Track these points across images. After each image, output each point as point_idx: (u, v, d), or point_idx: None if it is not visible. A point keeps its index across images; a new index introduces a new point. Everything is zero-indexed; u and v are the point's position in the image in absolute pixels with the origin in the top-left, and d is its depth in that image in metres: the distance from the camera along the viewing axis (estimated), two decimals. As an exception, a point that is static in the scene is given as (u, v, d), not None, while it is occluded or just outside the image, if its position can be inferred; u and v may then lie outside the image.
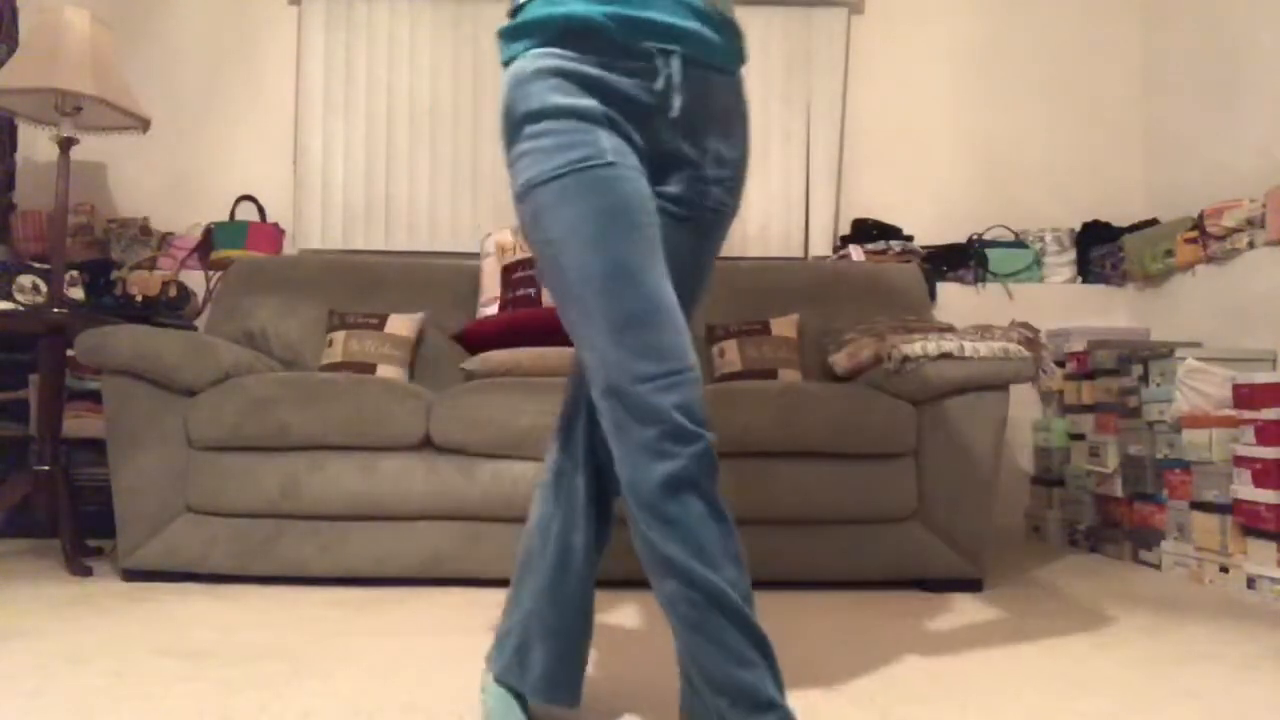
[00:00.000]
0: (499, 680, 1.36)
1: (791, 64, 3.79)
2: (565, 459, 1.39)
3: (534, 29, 1.23)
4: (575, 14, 1.20)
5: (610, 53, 1.21)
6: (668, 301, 1.14)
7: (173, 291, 3.34)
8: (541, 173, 1.16)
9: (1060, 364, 3.38)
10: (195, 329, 3.25)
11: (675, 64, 1.23)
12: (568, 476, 1.37)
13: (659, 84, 1.23)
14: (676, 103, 1.24)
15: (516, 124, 1.21)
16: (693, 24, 1.24)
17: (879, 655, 1.76)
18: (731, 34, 1.31)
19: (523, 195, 1.20)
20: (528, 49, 1.23)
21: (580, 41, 1.20)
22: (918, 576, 2.44)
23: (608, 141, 1.18)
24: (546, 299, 2.95)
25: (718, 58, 1.29)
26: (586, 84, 1.19)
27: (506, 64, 1.26)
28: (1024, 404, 3.45)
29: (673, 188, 1.29)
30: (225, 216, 3.64)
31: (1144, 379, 2.87)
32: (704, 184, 1.31)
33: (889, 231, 3.64)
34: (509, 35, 1.26)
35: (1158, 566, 2.73)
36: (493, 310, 3.04)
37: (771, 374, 2.85)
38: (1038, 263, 3.71)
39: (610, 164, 1.16)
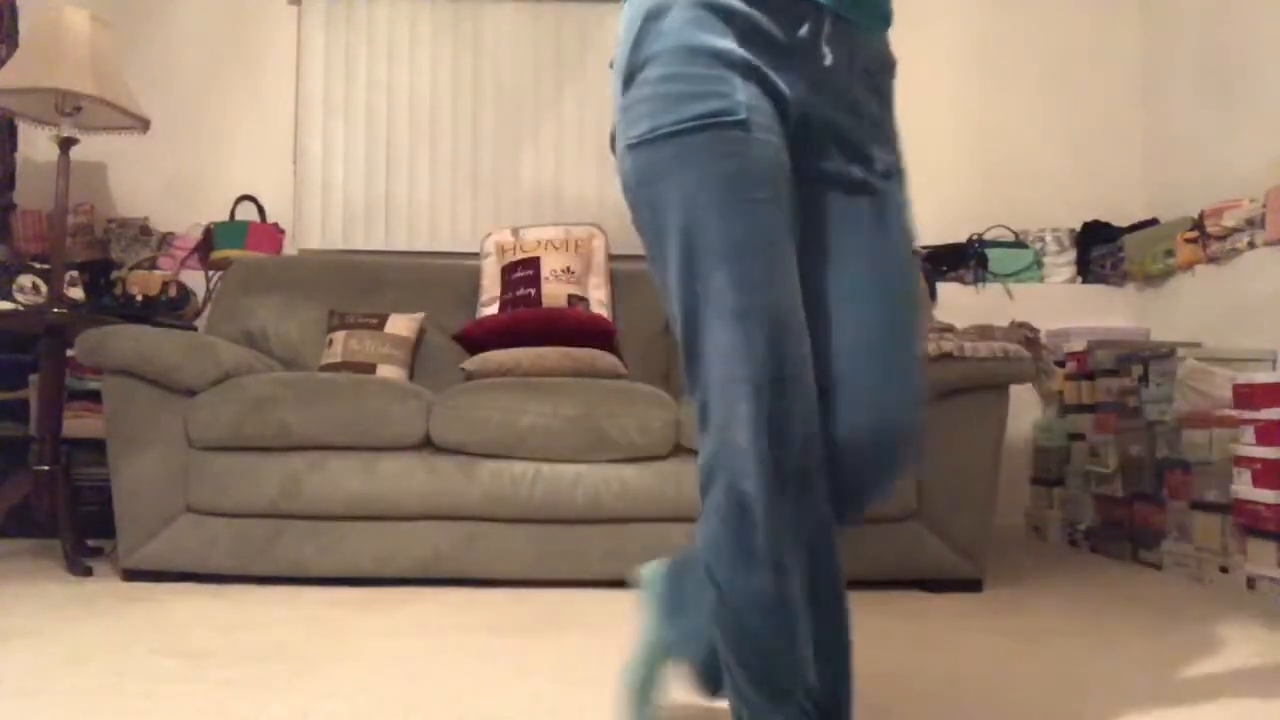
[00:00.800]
0: None
1: (791, 64, 3.78)
2: None
3: None
4: None
5: None
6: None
7: (173, 291, 3.34)
8: (659, 126, 1.00)
9: (1060, 364, 3.38)
10: (195, 329, 3.25)
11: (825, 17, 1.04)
12: None
13: (803, 31, 1.04)
14: (828, 53, 1.05)
15: (639, 64, 1.03)
16: None
17: (879, 655, 1.76)
18: None
19: (632, 148, 1.03)
20: None
21: None
22: (918, 576, 2.44)
23: (744, 94, 0.99)
24: (546, 299, 2.95)
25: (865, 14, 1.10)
26: (730, 19, 1.01)
27: None
28: (1024, 404, 3.44)
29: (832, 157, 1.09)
30: (225, 216, 3.64)
31: (1144, 379, 2.86)
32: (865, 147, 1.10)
33: (889, 231, 3.64)
34: None
35: (1158, 566, 2.73)
36: (493, 310, 3.04)
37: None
38: (1038, 263, 3.71)
39: (743, 121, 0.98)
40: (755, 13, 1.01)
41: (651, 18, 1.02)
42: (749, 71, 1.01)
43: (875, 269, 1.09)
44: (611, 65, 1.11)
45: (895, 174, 1.13)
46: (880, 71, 1.13)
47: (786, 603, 1.00)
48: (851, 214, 1.08)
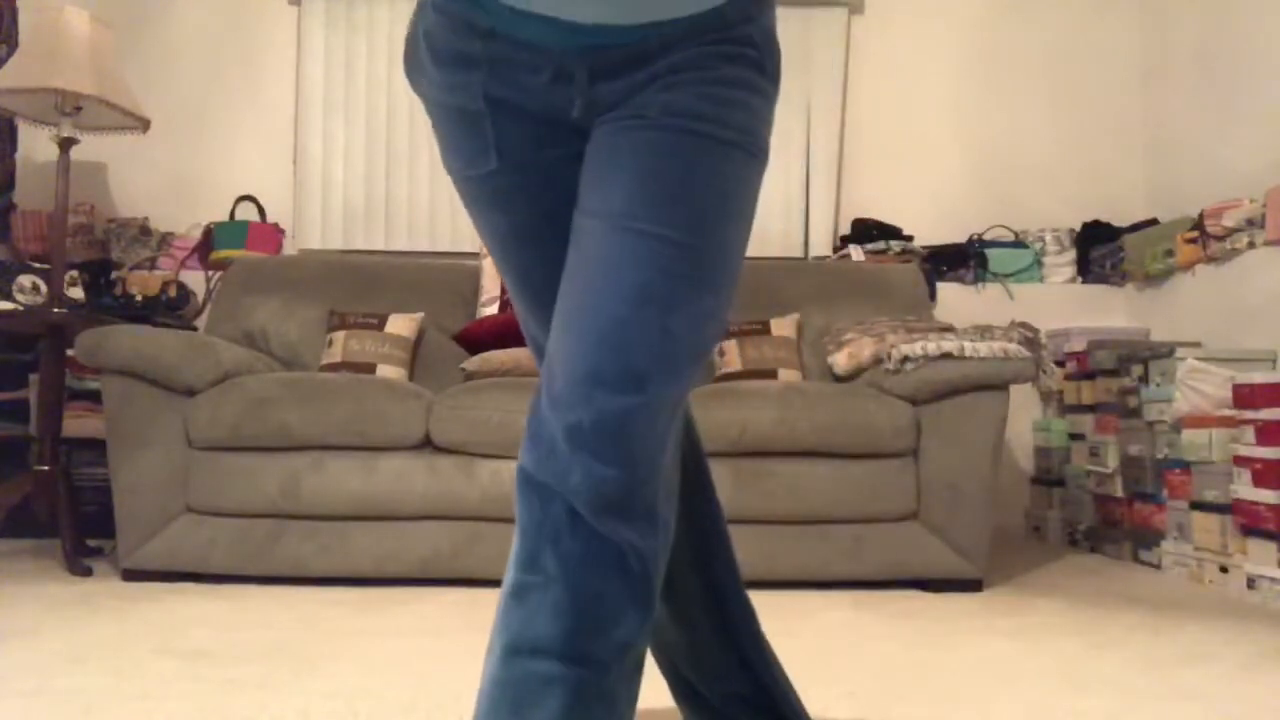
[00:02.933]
0: None
1: (791, 64, 3.78)
2: None
3: None
4: None
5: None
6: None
7: (173, 291, 3.34)
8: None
9: (1060, 364, 3.38)
10: (195, 329, 3.25)
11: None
12: None
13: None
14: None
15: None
16: None
17: (879, 655, 1.76)
18: None
19: None
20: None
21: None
22: (918, 576, 2.44)
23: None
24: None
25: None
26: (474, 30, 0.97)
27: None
28: (1024, 404, 3.45)
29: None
30: (225, 216, 3.64)
31: (1144, 379, 2.87)
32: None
33: (889, 231, 3.64)
34: None
35: (1158, 566, 2.73)
36: (492, 310, 3.04)
37: (771, 374, 2.85)
38: (1037, 263, 3.71)
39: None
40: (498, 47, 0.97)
41: (414, 47, 1.03)
42: (490, 82, 0.98)
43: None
44: None
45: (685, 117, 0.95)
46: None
47: None
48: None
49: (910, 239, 3.65)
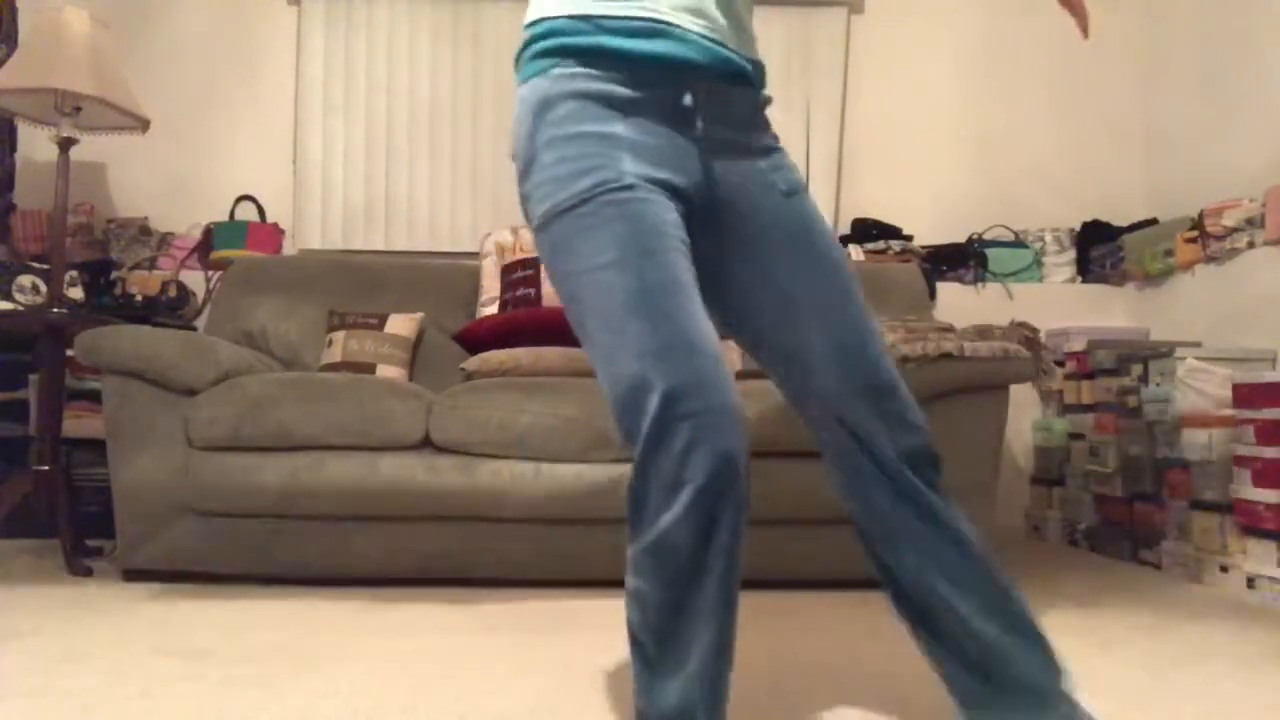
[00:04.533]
0: None
1: (791, 64, 3.78)
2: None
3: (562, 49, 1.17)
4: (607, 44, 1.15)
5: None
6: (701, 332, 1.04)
7: (173, 291, 3.34)
8: (557, 205, 1.11)
9: (1060, 364, 3.38)
10: (195, 329, 3.25)
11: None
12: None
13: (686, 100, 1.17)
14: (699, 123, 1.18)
15: (534, 154, 1.15)
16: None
17: (879, 655, 1.76)
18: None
19: (539, 230, 1.16)
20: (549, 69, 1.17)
21: (606, 62, 1.15)
22: (918, 576, 2.43)
23: (630, 164, 1.10)
24: (546, 299, 2.95)
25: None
26: (612, 104, 1.14)
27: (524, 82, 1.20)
28: (1024, 404, 3.45)
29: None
30: (225, 216, 3.64)
31: (1144, 379, 2.87)
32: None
33: (889, 231, 3.64)
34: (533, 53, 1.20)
35: (1158, 566, 2.73)
36: (492, 310, 3.04)
37: (771, 374, 2.85)
38: (1037, 262, 3.71)
39: (630, 185, 1.09)
40: (636, 93, 1.14)
41: (540, 112, 1.14)
42: (634, 147, 1.12)
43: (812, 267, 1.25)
44: (513, 157, 1.21)
45: (800, 191, 1.27)
46: (751, 122, 1.27)
47: None
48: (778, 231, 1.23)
49: (910, 239, 3.65)
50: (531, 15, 1.24)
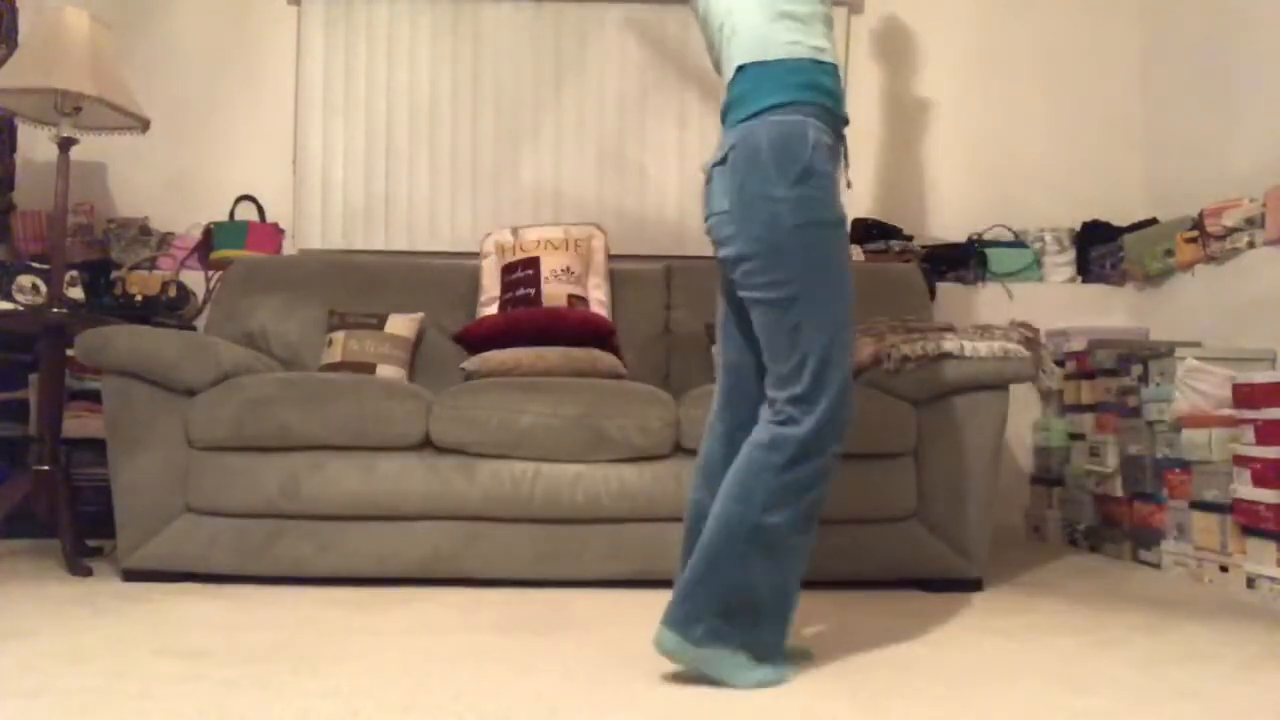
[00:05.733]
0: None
1: (791, 64, 3.78)
2: (731, 451, 1.68)
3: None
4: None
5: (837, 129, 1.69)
6: None
7: (172, 291, 3.34)
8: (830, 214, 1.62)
9: (1060, 364, 3.38)
10: (195, 329, 3.26)
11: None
12: (723, 465, 1.68)
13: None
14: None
15: (811, 170, 1.59)
16: None
17: (879, 655, 1.76)
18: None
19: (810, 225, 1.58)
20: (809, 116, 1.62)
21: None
22: (918, 576, 2.43)
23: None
24: (546, 299, 2.95)
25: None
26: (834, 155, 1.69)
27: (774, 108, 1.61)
28: (1024, 404, 3.45)
29: None
30: (225, 216, 3.64)
31: (1144, 379, 2.87)
32: None
33: (889, 231, 3.64)
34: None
35: (1158, 566, 2.73)
36: (492, 310, 3.04)
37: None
38: (1037, 262, 3.71)
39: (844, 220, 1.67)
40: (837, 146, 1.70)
41: (817, 146, 1.60)
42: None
43: None
44: (723, 144, 1.67)
45: None
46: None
47: None
48: None
49: (910, 239, 3.65)
50: None
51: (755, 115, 1.61)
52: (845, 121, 1.71)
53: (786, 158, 1.56)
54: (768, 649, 1.58)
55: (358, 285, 3.15)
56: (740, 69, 1.64)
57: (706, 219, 1.70)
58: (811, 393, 1.55)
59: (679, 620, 1.53)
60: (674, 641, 1.53)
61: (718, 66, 1.75)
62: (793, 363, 1.57)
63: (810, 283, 1.57)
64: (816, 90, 1.62)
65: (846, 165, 1.72)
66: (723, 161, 1.64)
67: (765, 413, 1.61)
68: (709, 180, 1.69)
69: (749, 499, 1.55)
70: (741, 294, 1.65)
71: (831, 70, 1.66)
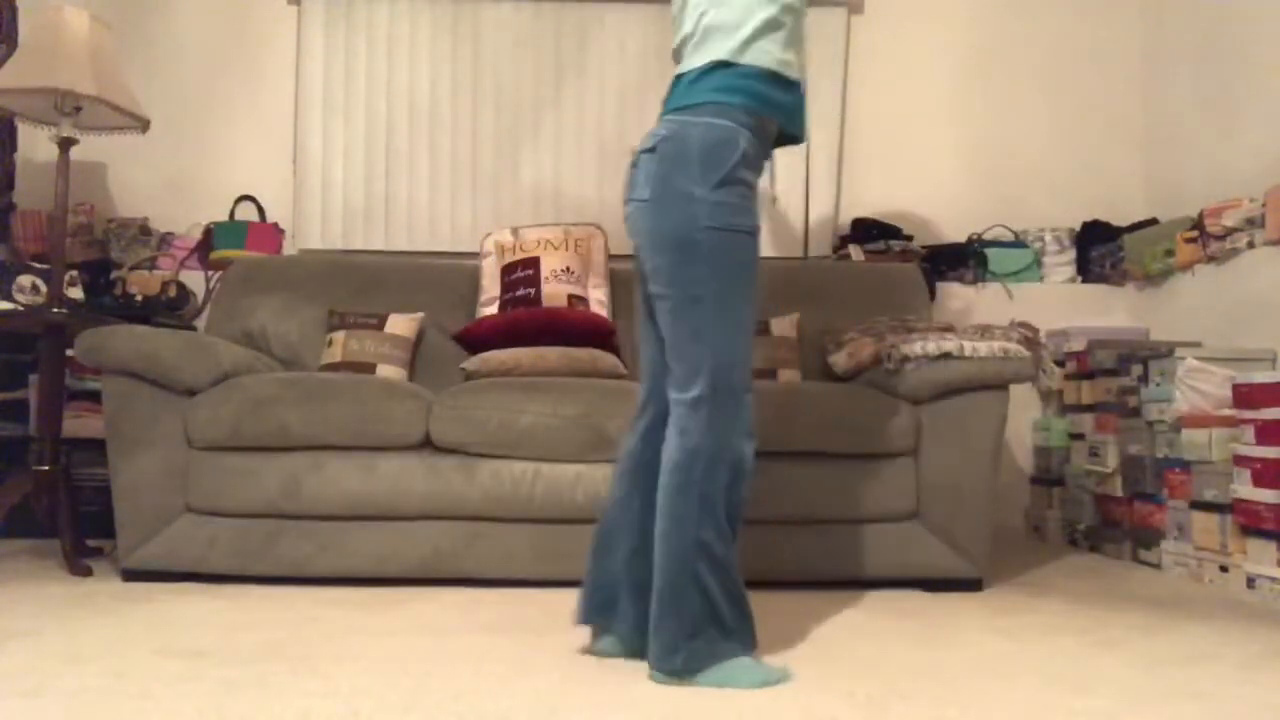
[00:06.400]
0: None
1: (791, 64, 3.78)
2: (646, 447, 1.71)
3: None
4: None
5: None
6: None
7: (172, 291, 3.34)
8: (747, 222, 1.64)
9: (1060, 364, 3.38)
10: (195, 329, 3.26)
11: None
12: (649, 463, 1.68)
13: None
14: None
15: (732, 176, 1.61)
16: None
17: (879, 655, 1.76)
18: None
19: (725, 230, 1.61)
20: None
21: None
22: (918, 576, 2.43)
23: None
24: (546, 299, 2.95)
25: None
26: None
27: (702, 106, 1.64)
28: (1024, 404, 3.45)
29: None
30: (225, 216, 3.64)
31: (1144, 379, 2.87)
32: None
33: (889, 231, 3.64)
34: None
35: (1158, 566, 2.73)
36: (492, 310, 3.04)
37: (771, 374, 2.85)
38: (1037, 262, 3.71)
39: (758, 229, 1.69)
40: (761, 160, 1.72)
41: (745, 157, 1.63)
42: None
43: None
44: (654, 146, 1.67)
45: None
46: None
47: None
48: None
49: (910, 239, 3.65)
50: None
51: (694, 107, 1.64)
52: (795, 140, 1.75)
53: (713, 161, 1.60)
54: (746, 649, 1.61)
55: (358, 285, 3.15)
56: (707, 64, 1.66)
57: (626, 204, 1.72)
58: (709, 396, 1.58)
59: (660, 656, 1.56)
60: (664, 678, 1.56)
61: (679, 51, 1.77)
62: (692, 364, 1.59)
63: (717, 286, 1.60)
64: (764, 103, 1.66)
65: (773, 180, 1.81)
66: (651, 150, 1.66)
67: (671, 420, 1.63)
68: (634, 165, 1.71)
69: (683, 521, 1.57)
70: (651, 289, 1.68)
71: (790, 85, 1.69)
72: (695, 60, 1.68)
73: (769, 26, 1.65)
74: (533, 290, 2.97)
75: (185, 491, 2.42)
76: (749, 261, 1.64)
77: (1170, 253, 3.32)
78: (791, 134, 1.75)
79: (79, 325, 2.59)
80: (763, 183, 1.76)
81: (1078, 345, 3.33)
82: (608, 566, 1.74)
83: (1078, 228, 3.74)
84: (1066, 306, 3.62)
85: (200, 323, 3.35)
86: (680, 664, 1.54)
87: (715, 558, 1.58)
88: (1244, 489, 2.37)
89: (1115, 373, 3.03)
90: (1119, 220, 3.69)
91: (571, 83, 3.78)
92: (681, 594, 1.56)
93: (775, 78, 1.67)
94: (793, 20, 1.69)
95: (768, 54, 1.65)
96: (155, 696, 1.45)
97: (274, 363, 2.92)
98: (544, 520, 2.42)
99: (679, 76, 1.72)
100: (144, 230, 3.62)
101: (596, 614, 1.75)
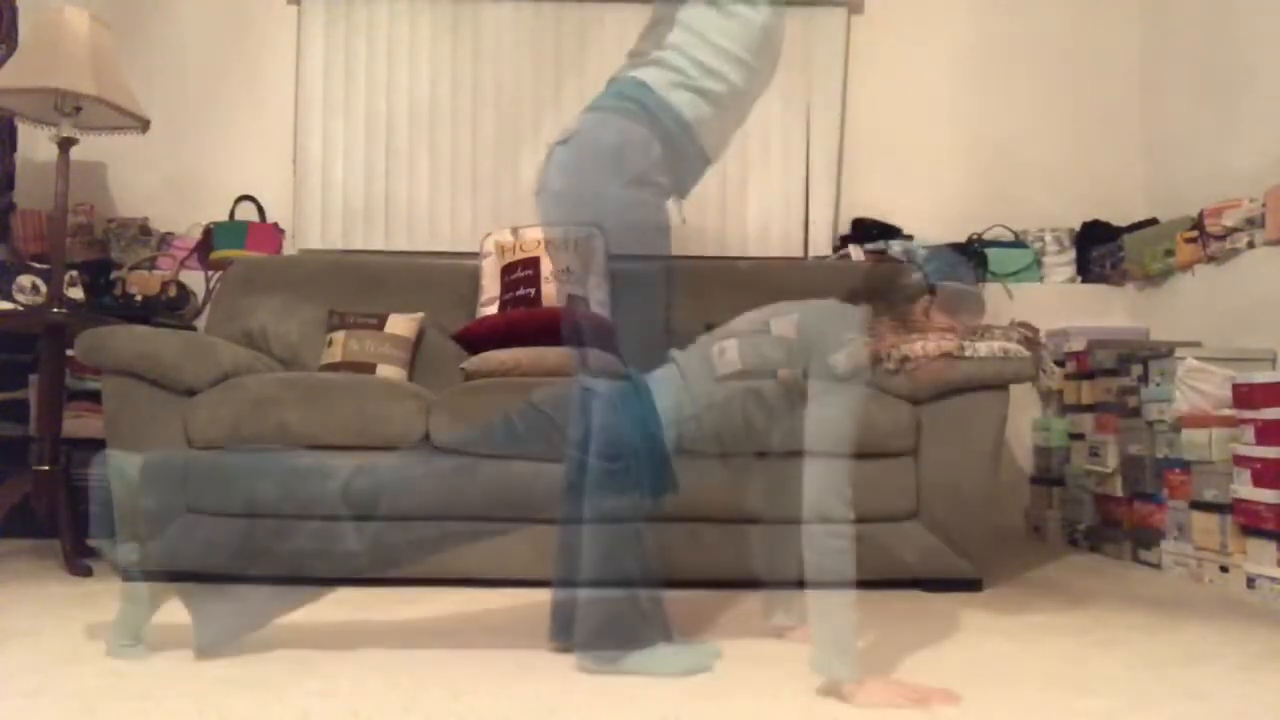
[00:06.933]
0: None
1: (790, 64, 3.76)
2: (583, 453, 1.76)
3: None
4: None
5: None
6: None
7: (172, 291, 3.34)
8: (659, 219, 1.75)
9: (1060, 364, 3.38)
10: (195, 329, 3.25)
11: None
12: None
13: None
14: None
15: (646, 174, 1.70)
16: None
17: (878, 655, 1.76)
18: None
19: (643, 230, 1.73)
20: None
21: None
22: (918, 576, 2.43)
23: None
24: (545, 299, 2.95)
25: None
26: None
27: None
28: (1024, 404, 3.45)
29: None
30: (225, 216, 3.64)
31: (1144, 379, 2.86)
32: None
33: (889, 231, 3.64)
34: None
35: (1158, 566, 2.73)
36: (492, 310, 3.04)
37: (770, 374, 2.85)
38: (1037, 262, 3.71)
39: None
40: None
41: (657, 163, 1.71)
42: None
43: None
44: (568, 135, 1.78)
45: None
46: None
47: None
48: None
49: (910, 239, 3.65)
50: None
51: (615, 109, 1.69)
52: (707, 161, 1.85)
53: (624, 161, 1.66)
54: (663, 633, 1.64)
55: (358, 285, 3.14)
56: (638, 80, 1.74)
57: (537, 194, 1.79)
58: (609, 388, 1.70)
59: (584, 644, 1.59)
60: (588, 662, 1.59)
61: (634, 50, 1.82)
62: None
63: (619, 282, 1.69)
64: (678, 124, 1.74)
65: (680, 198, 1.84)
66: (565, 142, 1.70)
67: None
68: (549, 156, 1.77)
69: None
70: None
71: (696, 146, 1.78)
72: (636, 71, 1.73)
73: (710, 93, 1.73)
74: (533, 290, 2.97)
75: (185, 491, 2.41)
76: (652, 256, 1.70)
77: (1170, 253, 3.32)
78: (706, 156, 1.85)
79: (79, 325, 2.59)
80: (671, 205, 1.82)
81: (1078, 345, 3.33)
82: (568, 584, 1.74)
83: (1077, 228, 3.74)
84: (1066, 306, 3.62)
85: (200, 323, 3.34)
86: (611, 654, 1.57)
87: (615, 554, 1.62)
88: (1244, 489, 2.37)
89: (1115, 373, 3.03)
90: (1119, 220, 3.69)
91: (571, 83, 3.77)
92: (607, 580, 1.59)
93: (687, 131, 1.75)
94: (737, 106, 1.76)
95: (694, 107, 1.75)
96: (155, 696, 1.45)
97: (274, 363, 2.92)
98: (544, 520, 2.41)
99: (613, 78, 1.74)
100: (144, 230, 3.62)
101: (563, 633, 1.74)
